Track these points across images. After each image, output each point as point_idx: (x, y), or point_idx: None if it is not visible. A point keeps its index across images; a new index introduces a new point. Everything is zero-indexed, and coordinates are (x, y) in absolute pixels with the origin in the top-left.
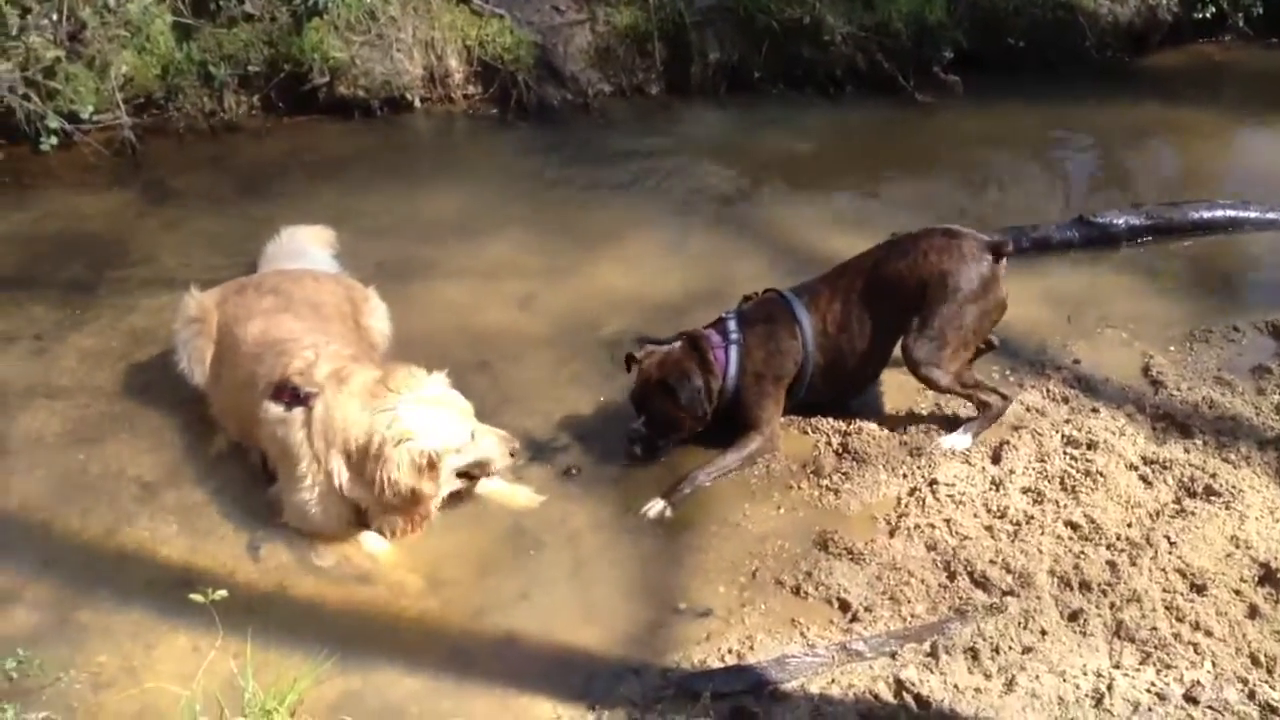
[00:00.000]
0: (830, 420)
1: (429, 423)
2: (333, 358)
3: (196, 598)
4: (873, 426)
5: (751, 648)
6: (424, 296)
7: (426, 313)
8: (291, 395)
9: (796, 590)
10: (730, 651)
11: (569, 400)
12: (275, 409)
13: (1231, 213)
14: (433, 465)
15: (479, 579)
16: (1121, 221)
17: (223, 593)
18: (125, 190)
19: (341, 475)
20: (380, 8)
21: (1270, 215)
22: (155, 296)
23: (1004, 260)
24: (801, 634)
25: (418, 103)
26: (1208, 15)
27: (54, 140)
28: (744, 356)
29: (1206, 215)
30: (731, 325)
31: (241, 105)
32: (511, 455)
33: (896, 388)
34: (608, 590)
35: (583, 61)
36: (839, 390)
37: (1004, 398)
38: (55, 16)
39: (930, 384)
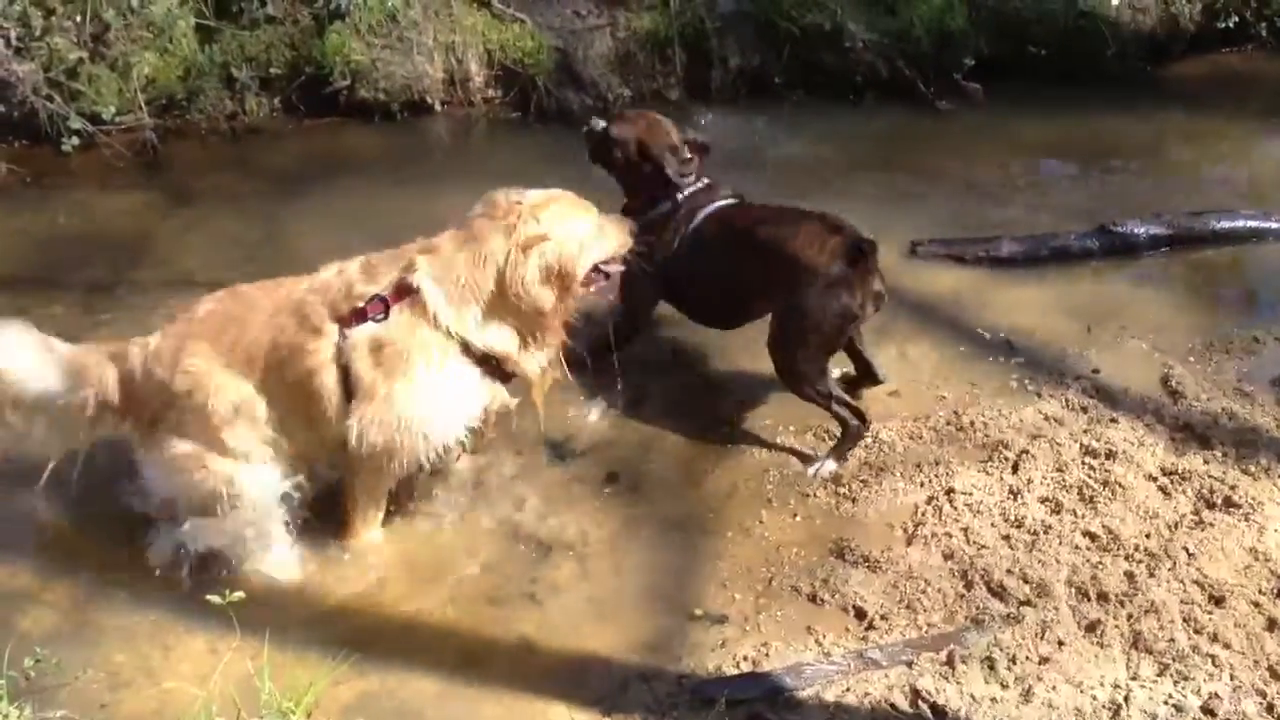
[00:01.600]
0: None
1: (558, 221)
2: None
3: (214, 599)
4: (891, 435)
5: (767, 655)
6: None
7: None
8: (377, 306)
9: (813, 598)
10: (745, 658)
11: (590, 399)
12: (361, 331)
13: (1253, 223)
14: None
15: (493, 583)
16: (1142, 231)
17: (240, 594)
18: (146, 191)
19: (476, 329)
20: (402, 11)
21: None
22: (176, 297)
23: (869, 260)
24: (817, 642)
25: (438, 106)
26: (1231, 25)
27: (76, 141)
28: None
29: (1228, 225)
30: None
31: (263, 107)
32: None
33: (913, 396)
34: (622, 595)
35: (603, 66)
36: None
37: (862, 421)
38: (79, 18)
39: (785, 383)
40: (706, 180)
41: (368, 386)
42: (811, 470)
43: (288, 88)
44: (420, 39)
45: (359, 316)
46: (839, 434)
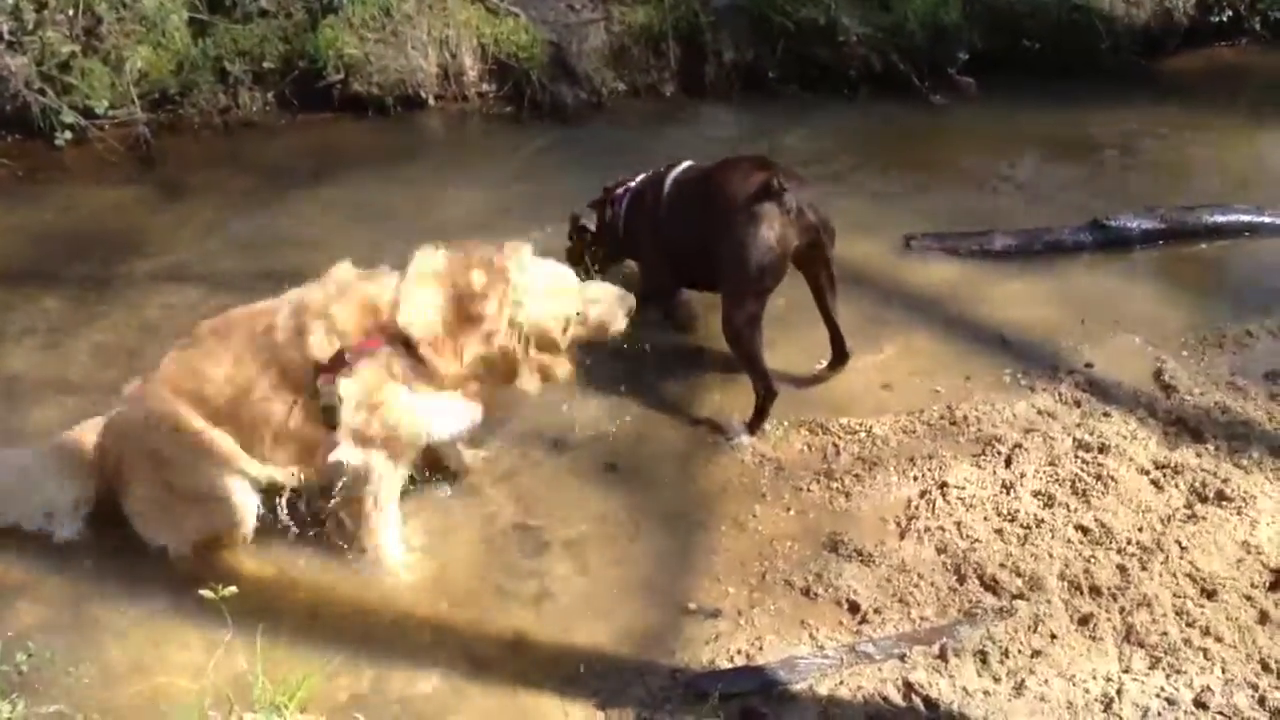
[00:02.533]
0: (841, 421)
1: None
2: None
3: (207, 594)
4: (884, 429)
5: (760, 649)
6: None
7: None
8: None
9: (806, 592)
10: (739, 652)
11: (587, 393)
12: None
13: (1246, 218)
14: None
15: (487, 578)
16: (1135, 225)
17: (232, 589)
18: (139, 186)
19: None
20: (395, 5)
21: None
22: (169, 292)
23: (784, 196)
24: (811, 635)
25: (432, 100)
26: (1224, 19)
27: (69, 135)
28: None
29: (1221, 220)
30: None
31: (256, 102)
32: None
33: (906, 390)
34: (616, 590)
35: (597, 60)
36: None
37: (769, 390)
38: (71, 11)
39: (724, 333)
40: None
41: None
42: (730, 442)
43: (281, 82)
44: (414, 33)
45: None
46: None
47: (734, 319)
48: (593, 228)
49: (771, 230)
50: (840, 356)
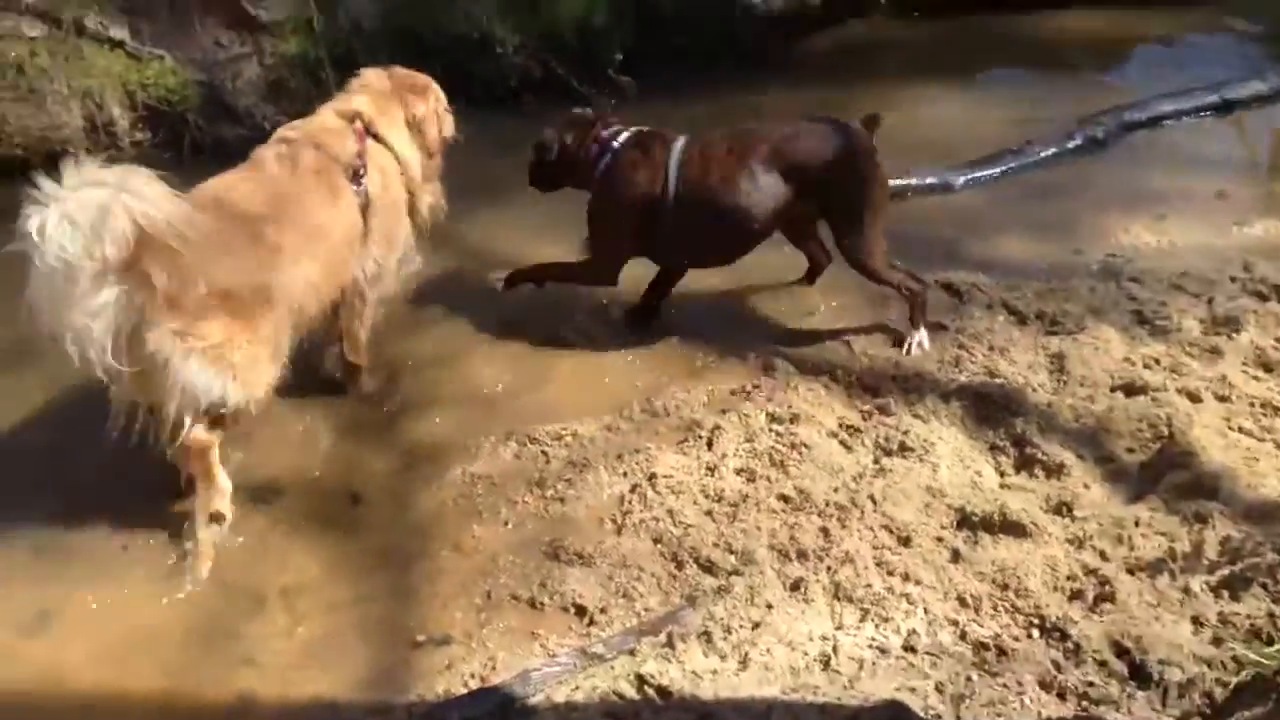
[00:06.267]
0: (547, 428)
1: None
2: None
3: None
4: (590, 430)
5: (494, 668)
6: None
7: None
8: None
9: (532, 603)
10: (473, 675)
11: (293, 434)
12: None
13: (895, 181)
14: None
15: (201, 648)
16: None
17: None
18: None
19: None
20: (28, 60)
21: (930, 180)
22: None
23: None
24: (542, 645)
25: (83, 155)
26: None
27: None
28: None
29: None
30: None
31: None
32: None
33: (608, 390)
34: (339, 636)
35: (254, 95)
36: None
37: (921, 283)
38: None
39: (866, 271)
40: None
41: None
42: (910, 344)
43: None
44: (52, 87)
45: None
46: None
47: (875, 249)
48: (554, 152)
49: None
50: (819, 265)
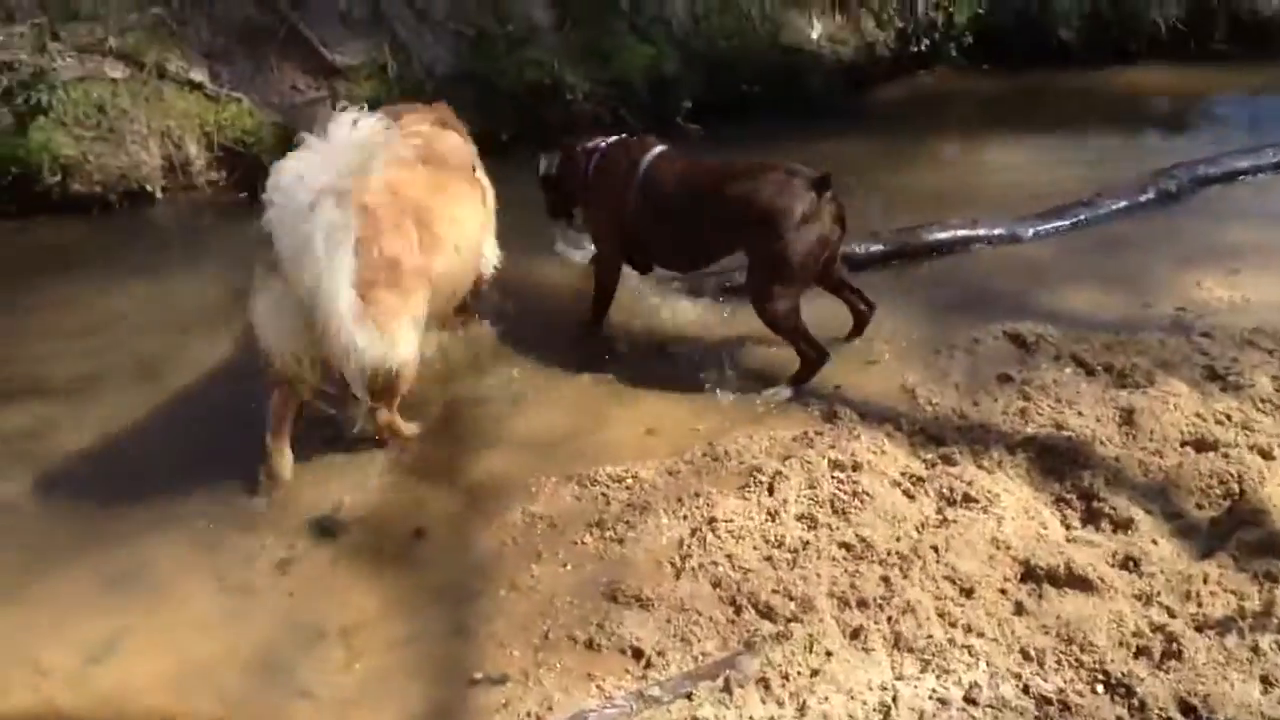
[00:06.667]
0: (608, 470)
1: None
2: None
3: None
4: (650, 473)
5: (550, 708)
6: (185, 391)
7: (190, 411)
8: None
9: (590, 644)
10: (529, 715)
11: (358, 470)
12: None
13: (963, 232)
14: None
15: (259, 679)
16: (861, 250)
17: None
18: None
19: None
20: (110, 101)
21: (998, 231)
22: None
23: (826, 194)
24: (598, 687)
25: (159, 193)
26: (923, 48)
27: None
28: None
29: (941, 236)
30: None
31: None
32: None
33: (669, 434)
34: (396, 672)
35: None
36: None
37: (821, 352)
38: None
39: (765, 318)
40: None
41: None
42: (767, 393)
43: None
44: (132, 127)
45: None
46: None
47: (780, 306)
48: (551, 178)
49: (825, 225)
50: (863, 314)
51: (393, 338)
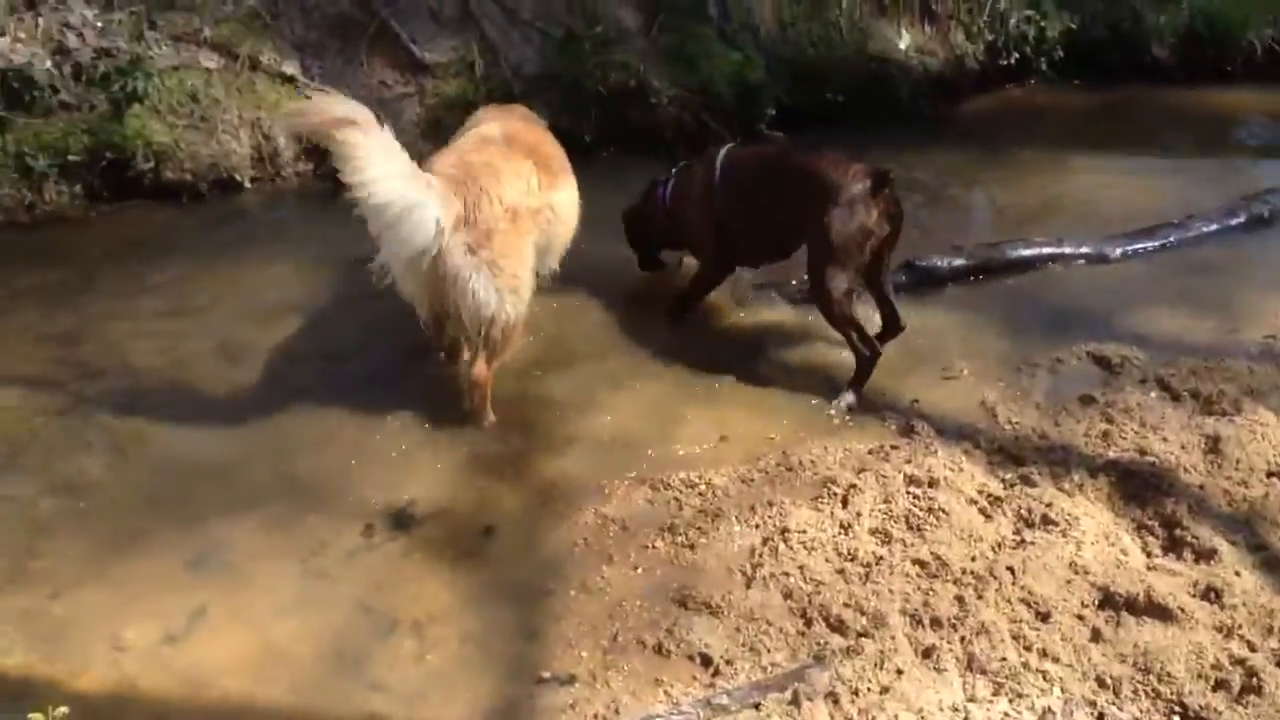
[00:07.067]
0: (681, 475)
1: None
2: None
3: (36, 717)
4: (724, 480)
5: (617, 711)
6: (269, 374)
7: (271, 396)
8: None
9: (658, 649)
10: (596, 717)
11: (431, 464)
12: None
13: (1047, 249)
14: None
15: (331, 666)
16: (944, 263)
17: (64, 710)
18: None
19: None
20: (203, 90)
21: (1085, 249)
22: None
23: (884, 190)
24: (665, 693)
25: (248, 183)
26: (1013, 62)
27: None
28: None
29: (1025, 253)
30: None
31: (63, 195)
32: None
33: (742, 440)
34: (466, 666)
35: (413, 133)
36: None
37: (874, 350)
38: None
39: (819, 304)
40: None
41: None
42: (833, 404)
43: (88, 174)
44: (224, 117)
45: None
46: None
47: (831, 287)
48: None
49: (871, 215)
50: (893, 328)
51: (508, 287)
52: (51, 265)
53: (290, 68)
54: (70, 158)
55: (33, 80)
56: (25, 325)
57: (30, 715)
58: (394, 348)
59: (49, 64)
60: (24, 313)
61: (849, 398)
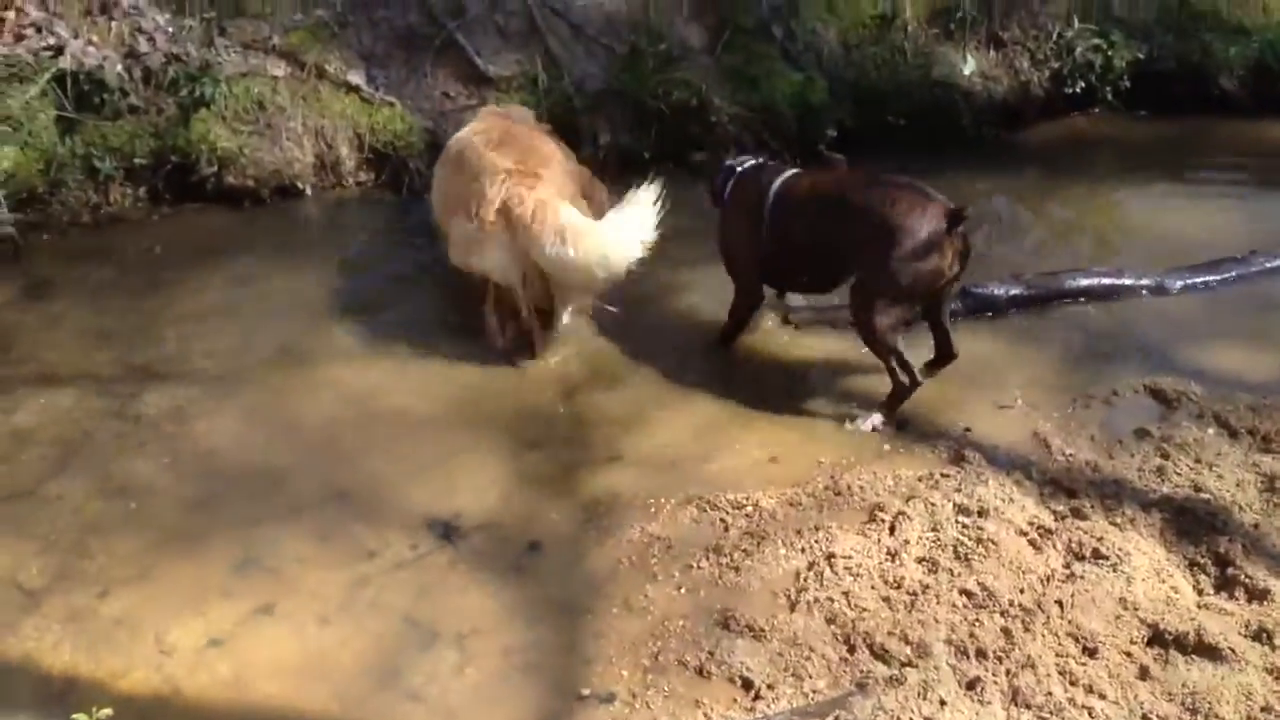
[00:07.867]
0: (729, 496)
1: None
2: None
3: (80, 718)
4: (771, 503)
5: None
6: (324, 380)
7: (324, 403)
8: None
9: (700, 670)
10: None
11: (479, 478)
12: None
13: (1107, 280)
14: None
15: (372, 677)
16: (1002, 291)
17: (107, 711)
18: (6, 287)
19: None
20: (269, 98)
21: (1145, 281)
22: (38, 396)
23: (958, 228)
24: (705, 715)
25: (309, 190)
26: (1078, 90)
27: None
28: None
29: (1084, 283)
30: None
31: (127, 197)
32: None
33: (791, 463)
34: (507, 680)
35: None
36: (797, 276)
37: (913, 380)
38: None
39: (862, 331)
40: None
41: None
42: (858, 424)
43: (153, 177)
44: (288, 125)
45: None
46: (889, 391)
47: (880, 321)
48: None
49: (946, 258)
50: (945, 356)
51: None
52: (111, 266)
53: (355, 77)
54: (136, 160)
55: (103, 83)
56: (83, 326)
57: (74, 716)
58: (449, 356)
59: (120, 67)
60: (81, 313)
61: (875, 419)
